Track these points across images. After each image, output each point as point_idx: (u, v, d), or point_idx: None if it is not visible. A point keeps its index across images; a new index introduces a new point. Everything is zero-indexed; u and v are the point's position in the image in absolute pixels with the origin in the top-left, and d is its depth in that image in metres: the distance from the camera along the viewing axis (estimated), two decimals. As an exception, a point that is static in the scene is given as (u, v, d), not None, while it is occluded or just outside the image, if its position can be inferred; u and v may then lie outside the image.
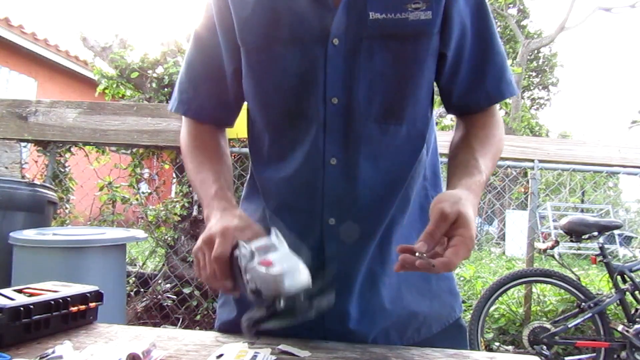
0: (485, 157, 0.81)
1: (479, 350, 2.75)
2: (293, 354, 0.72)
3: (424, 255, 0.64)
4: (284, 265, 0.59)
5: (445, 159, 0.94)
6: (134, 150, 3.56)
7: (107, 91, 4.06)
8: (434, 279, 0.88)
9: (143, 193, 3.74)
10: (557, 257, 3.09)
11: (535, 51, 17.49)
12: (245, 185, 0.97)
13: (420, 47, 0.79)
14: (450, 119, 5.64)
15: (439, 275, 0.88)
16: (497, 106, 0.91)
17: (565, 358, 2.91)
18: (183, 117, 0.95)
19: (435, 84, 0.87)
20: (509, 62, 0.93)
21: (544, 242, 3.41)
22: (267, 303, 0.60)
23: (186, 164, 0.91)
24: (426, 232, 0.66)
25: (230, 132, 1.01)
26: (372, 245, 0.82)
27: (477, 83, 0.86)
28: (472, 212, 0.67)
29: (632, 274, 2.77)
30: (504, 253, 8.59)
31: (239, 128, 0.97)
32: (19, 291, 0.83)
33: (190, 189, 3.46)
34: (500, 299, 3.12)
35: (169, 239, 3.50)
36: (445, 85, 0.86)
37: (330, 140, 0.79)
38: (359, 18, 0.76)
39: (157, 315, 3.27)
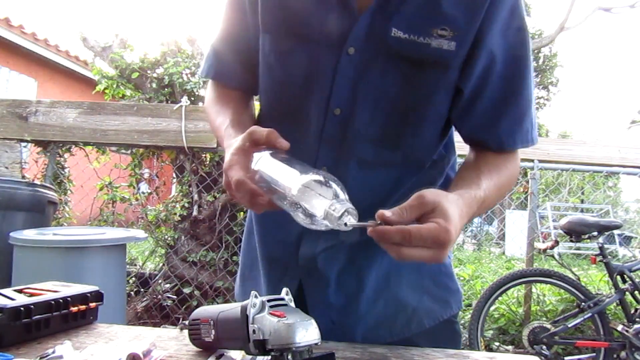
0: (489, 179, 0.74)
1: (479, 350, 2.75)
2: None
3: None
4: (296, 318, 0.58)
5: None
6: (134, 150, 3.56)
7: (107, 91, 4.05)
8: (428, 274, 0.86)
9: (143, 193, 3.75)
10: (557, 257, 3.09)
11: (535, 51, 17.46)
12: None
13: (434, 76, 0.74)
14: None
15: (434, 271, 0.86)
16: (518, 152, 0.82)
17: (565, 358, 2.91)
18: (210, 81, 0.94)
19: None
20: None
21: (543, 242, 3.41)
22: (273, 357, 0.58)
23: (209, 119, 0.90)
24: (396, 208, 0.59)
25: None
26: (354, 242, 0.80)
27: (489, 125, 0.78)
28: (456, 211, 0.61)
29: (632, 274, 2.78)
30: (503, 253, 8.58)
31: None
32: (19, 291, 0.83)
33: (190, 189, 3.47)
34: (500, 299, 3.12)
35: (169, 239, 3.50)
36: (455, 120, 0.81)
37: (324, 150, 0.78)
38: (380, 32, 0.72)
39: (157, 315, 3.27)
